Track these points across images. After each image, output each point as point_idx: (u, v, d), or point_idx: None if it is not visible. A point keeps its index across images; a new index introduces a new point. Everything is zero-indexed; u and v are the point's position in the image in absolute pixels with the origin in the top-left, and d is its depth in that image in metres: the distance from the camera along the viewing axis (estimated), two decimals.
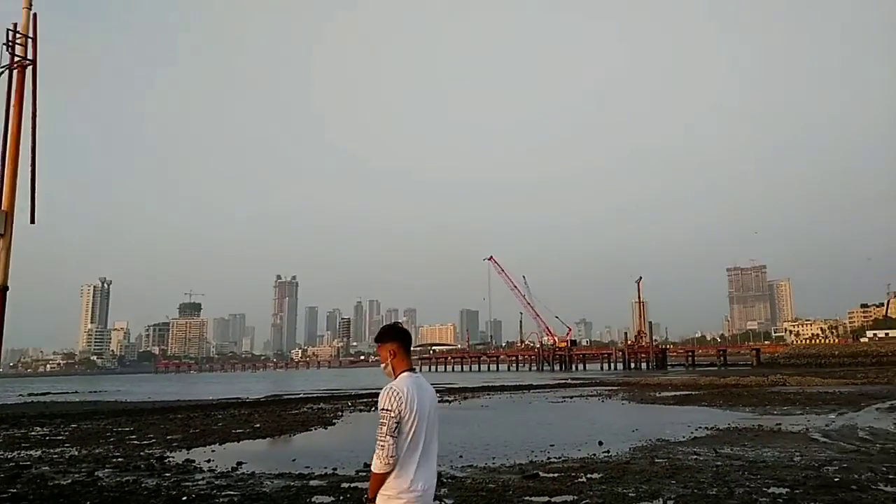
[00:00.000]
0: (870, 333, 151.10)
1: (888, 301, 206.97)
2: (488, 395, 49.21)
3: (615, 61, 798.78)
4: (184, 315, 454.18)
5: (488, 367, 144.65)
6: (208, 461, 18.08)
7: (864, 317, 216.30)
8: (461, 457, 18.27)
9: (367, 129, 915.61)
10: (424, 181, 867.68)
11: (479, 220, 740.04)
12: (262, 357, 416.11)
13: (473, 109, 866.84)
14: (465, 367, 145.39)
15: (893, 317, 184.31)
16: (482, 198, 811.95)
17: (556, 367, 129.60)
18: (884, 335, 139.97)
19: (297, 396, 51.64)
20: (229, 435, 24.75)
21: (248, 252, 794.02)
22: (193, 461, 18.05)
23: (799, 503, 11.19)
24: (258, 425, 28.45)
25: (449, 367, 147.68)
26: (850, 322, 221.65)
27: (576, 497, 12.29)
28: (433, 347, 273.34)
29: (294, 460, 17.97)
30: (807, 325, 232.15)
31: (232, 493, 13.33)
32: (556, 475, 14.73)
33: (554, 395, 46.52)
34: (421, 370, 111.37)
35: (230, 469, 16.56)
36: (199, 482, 14.70)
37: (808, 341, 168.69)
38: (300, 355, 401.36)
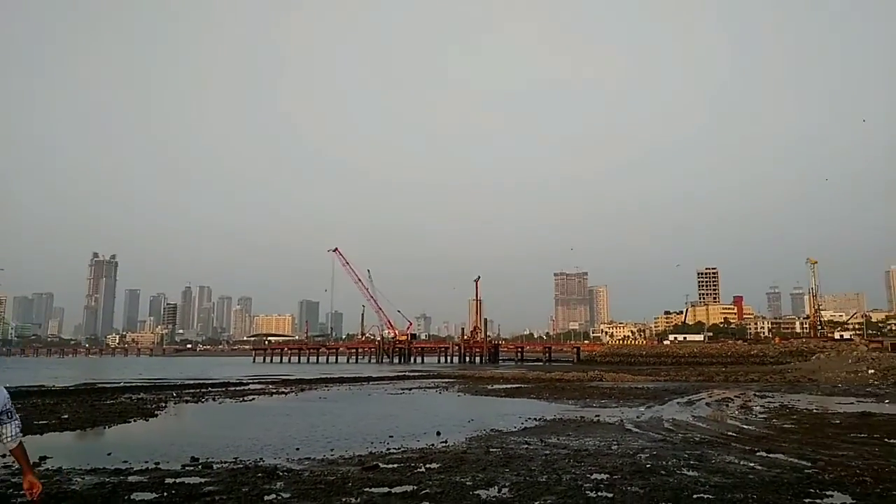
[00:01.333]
0: (671, 337, 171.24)
1: (685, 310, 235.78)
2: (326, 387, 48.44)
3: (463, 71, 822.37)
4: None
5: (327, 360, 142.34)
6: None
7: (667, 322, 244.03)
8: (298, 449, 17.70)
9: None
10: (267, 167, 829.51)
11: (323, 212, 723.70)
12: (72, 342, 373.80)
13: (327, 99, 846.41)
14: (304, 359, 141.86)
15: (690, 323, 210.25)
16: (328, 189, 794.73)
17: (396, 360, 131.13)
18: (682, 339, 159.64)
19: (115, 385, 47.09)
20: (30, 427, 21.83)
21: (59, 223, 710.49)
22: None
23: (618, 487, 12.17)
24: (66, 416, 25.52)
25: (286, 359, 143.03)
26: (655, 326, 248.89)
27: (415, 487, 12.38)
28: (269, 338, 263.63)
29: (110, 454, 16.29)
30: (620, 327, 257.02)
31: None
32: (395, 466, 14.76)
33: (393, 388, 46.93)
34: (255, 361, 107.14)
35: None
36: None
37: (620, 342, 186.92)
38: (117, 341, 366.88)
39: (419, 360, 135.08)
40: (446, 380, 56.84)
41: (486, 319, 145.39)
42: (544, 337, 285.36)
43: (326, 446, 18.26)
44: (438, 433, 20.70)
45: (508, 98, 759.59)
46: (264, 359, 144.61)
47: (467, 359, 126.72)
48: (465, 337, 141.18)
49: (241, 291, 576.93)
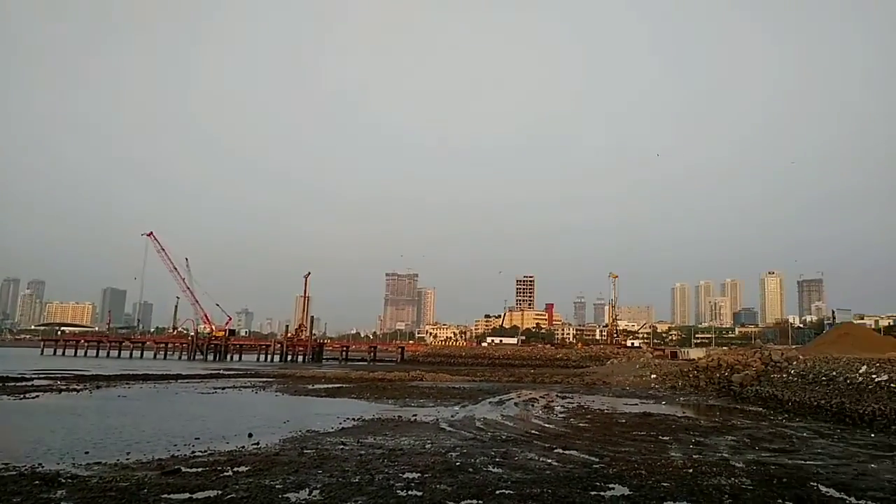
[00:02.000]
0: (489, 339, 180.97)
1: (503, 314, 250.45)
2: (127, 384, 44.27)
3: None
4: None
5: (131, 354, 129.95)
6: None
7: (487, 325, 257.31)
8: (87, 453, 15.98)
9: None
10: (76, 141, 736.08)
11: (136, 193, 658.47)
12: None
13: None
14: (103, 353, 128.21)
15: (506, 327, 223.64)
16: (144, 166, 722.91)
17: (211, 357, 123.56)
18: (499, 341, 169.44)
19: None
20: None
21: None
22: None
23: (428, 485, 12.57)
24: None
25: (81, 352, 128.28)
26: (476, 328, 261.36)
27: (220, 492, 11.78)
28: (62, 328, 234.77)
29: None
30: (444, 328, 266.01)
31: None
32: (200, 470, 13.92)
33: (205, 386, 44.17)
34: (43, 353, 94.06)
35: None
36: None
37: (443, 342, 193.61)
38: None
39: (237, 357, 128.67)
40: (264, 379, 54.75)
41: (312, 317, 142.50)
42: (371, 336, 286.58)
43: (122, 449, 16.70)
44: (250, 434, 19.88)
45: (337, 96, 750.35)
46: (55, 351, 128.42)
47: (289, 357, 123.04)
48: (289, 334, 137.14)
49: (33, 274, 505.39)
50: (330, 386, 45.90)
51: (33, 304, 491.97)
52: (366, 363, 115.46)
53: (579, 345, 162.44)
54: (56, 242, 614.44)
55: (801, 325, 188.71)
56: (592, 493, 12.15)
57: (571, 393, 42.83)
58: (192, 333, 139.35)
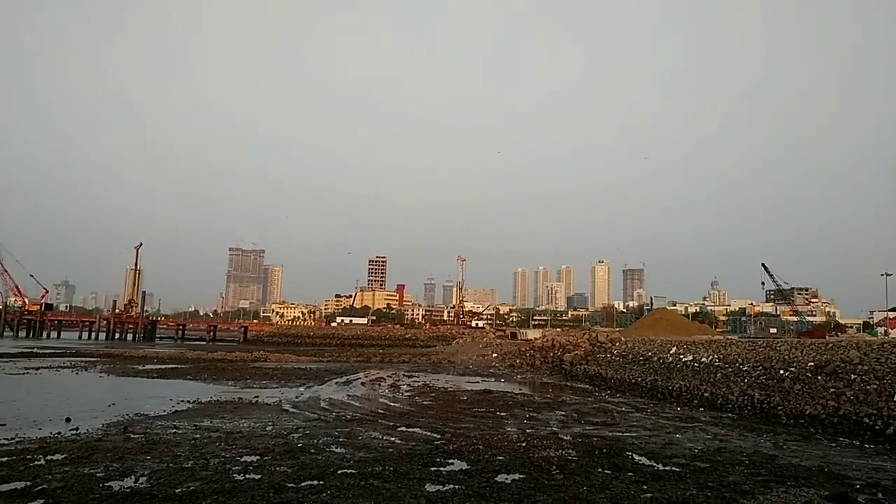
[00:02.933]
0: (339, 319, 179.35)
1: (355, 293, 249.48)
2: None
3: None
4: None
5: None
6: None
7: (337, 305, 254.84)
8: None
9: None
10: None
11: None
12: None
13: None
14: None
15: (357, 307, 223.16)
16: None
17: (23, 334, 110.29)
18: (349, 321, 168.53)
19: None
20: None
21: None
22: None
23: (267, 468, 12.22)
24: None
25: None
26: (325, 308, 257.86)
27: (29, 483, 10.63)
28: None
29: None
30: (292, 307, 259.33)
31: None
32: (6, 460, 12.44)
33: (14, 366, 39.34)
34: None
35: None
36: None
37: (290, 322, 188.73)
38: None
39: (55, 335, 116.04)
40: (87, 358, 49.94)
41: (144, 292, 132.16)
42: (211, 315, 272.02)
43: None
44: (68, 419, 18.08)
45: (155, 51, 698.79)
46: None
47: (117, 335, 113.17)
48: (118, 310, 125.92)
49: None
50: (163, 366, 42.93)
51: None
52: (205, 343, 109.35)
53: (427, 325, 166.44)
54: None
55: (625, 310, 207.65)
56: (433, 468, 12.54)
57: (418, 372, 43.78)
58: (0, 307, 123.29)
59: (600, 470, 12.63)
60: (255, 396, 25.71)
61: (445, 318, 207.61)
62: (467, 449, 14.56)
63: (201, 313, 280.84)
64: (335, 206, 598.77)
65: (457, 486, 11.08)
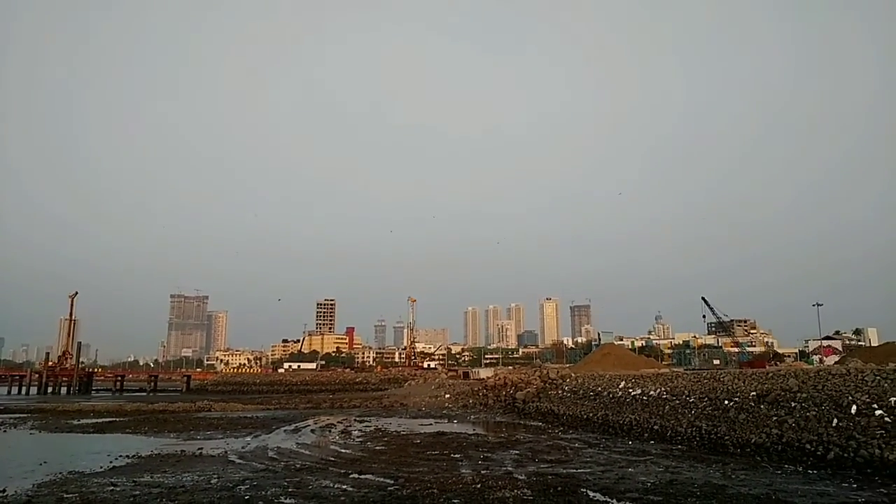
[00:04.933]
0: (286, 365, 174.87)
1: (303, 338, 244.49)
2: None
3: None
4: None
5: None
6: None
7: (284, 350, 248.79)
8: None
9: None
10: None
11: None
12: None
13: None
14: None
15: (305, 352, 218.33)
16: None
17: None
18: (297, 367, 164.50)
19: None
20: None
21: None
22: None
23: None
24: None
25: None
26: (272, 354, 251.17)
27: None
28: None
29: None
30: (237, 354, 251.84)
31: None
32: None
33: None
34: None
35: None
36: None
37: (236, 370, 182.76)
38: None
39: None
40: (16, 415, 46.98)
41: (80, 343, 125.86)
42: (152, 364, 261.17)
43: None
44: None
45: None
46: None
47: (50, 389, 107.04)
48: (51, 363, 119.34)
49: None
50: (100, 420, 40.75)
51: None
52: (145, 394, 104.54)
53: (378, 368, 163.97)
54: None
55: (573, 346, 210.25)
56: None
57: (370, 416, 42.91)
58: None
59: None
60: (199, 448, 24.61)
61: (397, 359, 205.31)
62: (421, 493, 14.29)
63: (141, 363, 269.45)
64: (280, 249, 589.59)
65: None
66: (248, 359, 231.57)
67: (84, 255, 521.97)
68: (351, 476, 17.15)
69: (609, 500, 13.51)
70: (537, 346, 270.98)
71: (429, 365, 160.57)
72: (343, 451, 23.53)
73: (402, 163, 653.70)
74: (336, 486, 15.63)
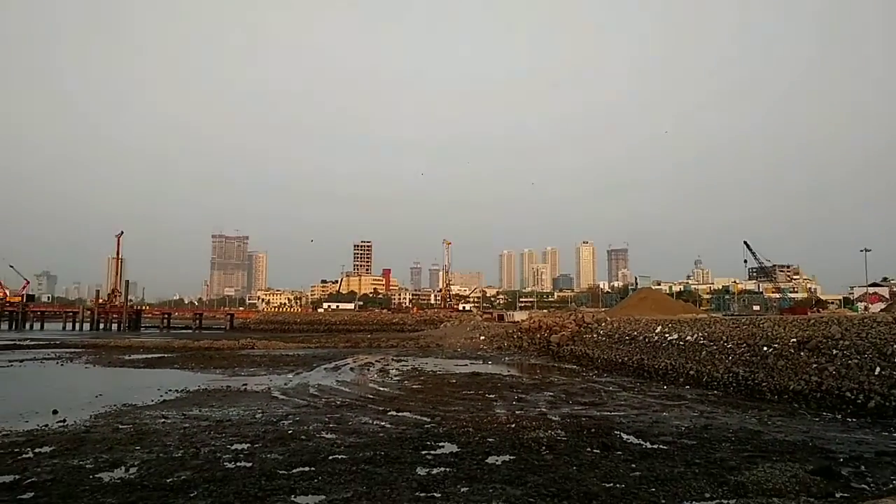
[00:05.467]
0: (325, 305, 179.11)
1: (341, 279, 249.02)
2: None
3: None
4: None
5: None
6: None
7: (323, 291, 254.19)
8: None
9: None
10: None
11: None
12: None
13: None
14: None
15: (343, 292, 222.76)
16: None
17: (5, 327, 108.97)
18: (336, 307, 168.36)
19: None
20: None
21: None
22: None
23: (258, 455, 12.22)
24: None
25: None
26: (311, 294, 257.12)
27: (18, 476, 10.54)
28: None
29: None
30: (277, 294, 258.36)
31: None
32: None
33: None
34: None
35: None
36: None
37: (277, 309, 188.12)
38: None
39: (37, 326, 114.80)
40: (72, 350, 49.50)
41: (128, 281, 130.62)
42: (196, 303, 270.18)
43: None
44: (55, 412, 17.92)
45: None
46: None
47: (102, 326, 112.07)
48: (101, 300, 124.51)
49: None
50: (149, 356, 42.67)
51: None
52: (191, 331, 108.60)
53: (415, 309, 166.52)
54: None
55: (610, 290, 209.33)
56: (423, 452, 12.60)
57: (407, 356, 43.90)
58: None
59: (589, 450, 12.77)
60: (244, 384, 25.64)
61: (432, 301, 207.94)
62: (457, 432, 14.65)
63: (186, 301, 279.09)
64: (318, 190, 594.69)
65: (448, 469, 11.15)
66: (288, 298, 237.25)
67: (130, 196, 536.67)
68: (389, 413, 17.67)
69: (643, 442, 13.65)
70: (573, 290, 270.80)
71: (464, 307, 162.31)
72: (381, 389, 24.21)
73: (436, 100, 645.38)
74: (374, 422, 16.13)
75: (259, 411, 18.11)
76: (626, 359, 32.60)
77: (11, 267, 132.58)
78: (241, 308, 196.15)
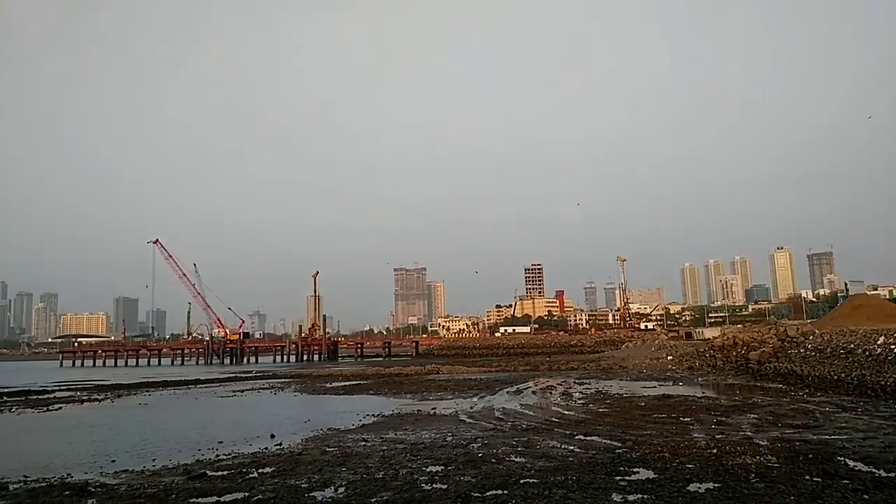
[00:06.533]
0: (502, 329, 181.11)
1: (514, 304, 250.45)
2: (148, 391, 44.68)
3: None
4: None
5: (148, 362, 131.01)
6: None
7: (498, 315, 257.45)
8: (114, 461, 16.13)
9: None
10: (81, 152, 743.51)
11: (144, 200, 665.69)
12: None
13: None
14: (121, 362, 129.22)
15: (518, 316, 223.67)
16: (149, 174, 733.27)
17: (227, 361, 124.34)
18: (511, 331, 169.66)
19: None
20: None
21: None
22: None
23: (451, 478, 12.58)
24: None
25: (100, 362, 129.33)
26: (487, 319, 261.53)
27: (247, 494, 11.85)
28: (78, 339, 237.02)
29: None
30: (456, 320, 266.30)
31: None
32: (225, 473, 14.02)
33: (224, 390, 44.47)
34: (62, 365, 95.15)
35: None
36: None
37: (456, 335, 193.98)
38: None
39: (253, 360, 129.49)
40: (282, 380, 55.08)
41: (325, 316, 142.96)
42: (384, 332, 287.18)
43: (147, 456, 16.84)
44: (273, 436, 19.99)
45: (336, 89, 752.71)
46: (74, 362, 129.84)
47: (305, 357, 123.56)
48: (303, 334, 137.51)
49: (45, 287, 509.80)
50: (347, 383, 46.09)
51: (48, 316, 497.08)
52: (381, 359, 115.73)
53: (593, 330, 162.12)
54: (64, 254, 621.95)
55: (815, 300, 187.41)
56: (617, 477, 12.12)
57: (588, 379, 42.78)
58: (207, 338, 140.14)
59: (808, 477, 11.42)
60: (433, 408, 26.66)
61: (610, 321, 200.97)
62: (652, 457, 13.91)
63: (375, 331, 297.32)
64: (483, 218, 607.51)
65: (646, 496, 10.60)
66: (466, 324, 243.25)
67: (321, 240, 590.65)
68: (577, 437, 17.28)
69: (875, 470, 11.91)
70: (769, 302, 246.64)
71: (645, 326, 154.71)
72: (566, 412, 23.78)
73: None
74: (563, 446, 15.87)
75: (449, 434, 18.67)
76: (842, 375, 28.83)
77: (230, 309, 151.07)
78: (424, 335, 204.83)
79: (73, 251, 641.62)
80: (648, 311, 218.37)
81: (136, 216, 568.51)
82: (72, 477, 14.00)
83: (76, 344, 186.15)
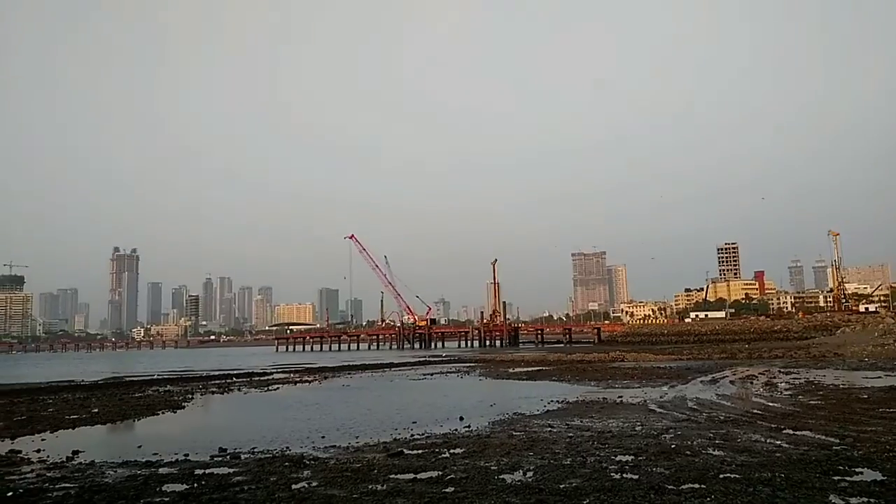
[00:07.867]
0: (692, 315, 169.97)
1: (706, 287, 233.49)
2: (349, 374, 48.89)
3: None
4: (3, 289, 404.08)
5: (349, 347, 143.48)
6: (38, 451, 16.21)
7: (688, 300, 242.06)
8: (324, 437, 17.90)
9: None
10: (284, 156, 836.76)
11: (342, 197, 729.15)
12: (99, 336, 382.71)
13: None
14: (325, 347, 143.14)
15: (711, 300, 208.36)
16: (346, 175, 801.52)
17: (416, 346, 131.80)
18: (703, 316, 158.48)
19: (141, 378, 47.93)
20: (62, 421, 22.40)
21: (81, 220, 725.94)
22: (19, 451, 16.09)
23: (643, 468, 12.15)
24: (96, 410, 26.00)
25: (308, 347, 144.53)
26: (676, 304, 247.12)
27: (440, 472, 12.47)
28: (290, 327, 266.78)
29: (140, 447, 16.60)
30: (640, 306, 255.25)
31: (68, 485, 12.00)
32: (420, 452, 14.88)
33: (415, 373, 47.22)
34: (277, 350, 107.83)
35: (65, 459, 14.95)
36: (28, 475, 13.12)
37: (641, 321, 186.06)
38: (142, 334, 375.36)
39: (439, 344, 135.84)
40: (467, 364, 57.04)
41: (504, 302, 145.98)
42: (564, 318, 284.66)
43: (351, 434, 18.45)
44: (461, 418, 20.81)
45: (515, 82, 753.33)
46: (287, 347, 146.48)
47: (487, 342, 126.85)
48: (485, 321, 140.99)
49: (262, 281, 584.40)
50: (530, 369, 46.47)
51: (265, 307, 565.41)
52: (562, 345, 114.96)
53: (800, 314, 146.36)
54: (277, 252, 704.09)
55: None
56: (835, 477, 10.85)
57: (796, 368, 38.77)
58: (399, 324, 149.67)
59: None
60: (619, 396, 25.92)
61: (821, 304, 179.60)
62: (879, 456, 12.26)
63: (555, 318, 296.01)
64: (670, 194, 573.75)
65: (872, 500, 9.39)
66: (652, 310, 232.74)
67: (498, 224, 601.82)
68: (784, 432, 15.76)
69: None
70: None
71: (867, 308, 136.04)
72: (770, 404, 21.78)
73: None
74: (768, 441, 14.57)
75: (638, 424, 18.04)
76: None
77: (417, 297, 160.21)
78: (606, 322, 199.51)
79: (285, 249, 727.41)
80: (869, 291, 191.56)
81: (332, 215, 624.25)
82: (290, 450, 15.77)
83: (288, 331, 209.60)
